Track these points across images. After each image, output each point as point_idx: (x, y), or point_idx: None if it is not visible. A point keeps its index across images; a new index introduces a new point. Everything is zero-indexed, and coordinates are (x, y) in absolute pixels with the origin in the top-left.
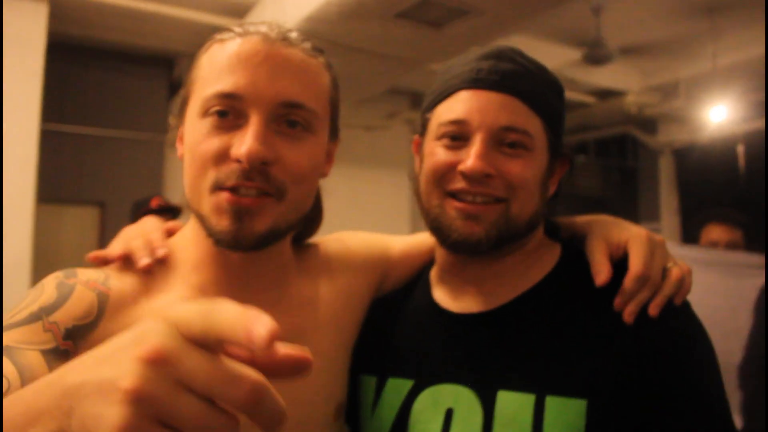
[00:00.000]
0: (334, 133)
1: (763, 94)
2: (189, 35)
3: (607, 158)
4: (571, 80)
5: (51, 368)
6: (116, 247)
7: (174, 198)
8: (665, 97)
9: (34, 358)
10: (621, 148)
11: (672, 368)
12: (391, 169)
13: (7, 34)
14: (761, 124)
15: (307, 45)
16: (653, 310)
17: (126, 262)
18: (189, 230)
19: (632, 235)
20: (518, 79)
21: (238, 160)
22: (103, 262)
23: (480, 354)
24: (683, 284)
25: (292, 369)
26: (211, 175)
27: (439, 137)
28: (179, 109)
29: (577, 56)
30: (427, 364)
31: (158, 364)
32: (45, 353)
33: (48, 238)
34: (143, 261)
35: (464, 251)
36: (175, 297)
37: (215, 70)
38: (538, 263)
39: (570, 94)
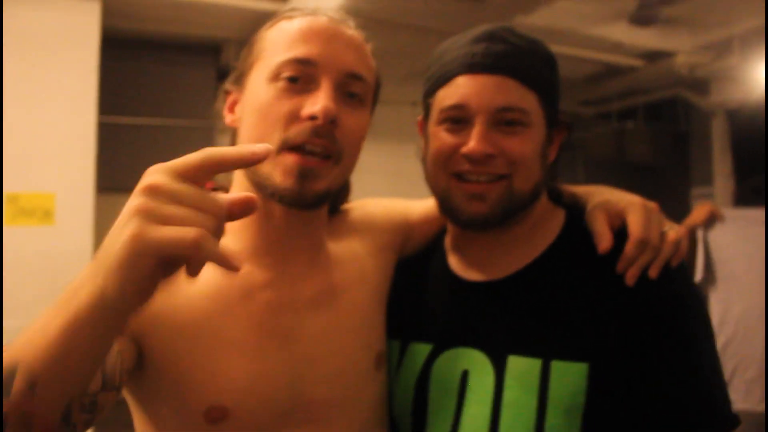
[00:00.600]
0: (371, 111)
1: None
2: (234, 22)
3: (657, 122)
4: (617, 43)
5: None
6: None
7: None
8: (718, 56)
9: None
10: (672, 111)
11: (667, 329)
12: None
13: (64, 33)
14: None
15: (361, 33)
16: (653, 271)
17: None
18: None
19: (628, 203)
20: (511, 59)
21: (311, 117)
22: None
23: (492, 320)
24: (679, 247)
25: (243, 209)
26: (279, 135)
27: (441, 121)
28: (235, 79)
29: (624, 21)
30: (445, 329)
31: (151, 190)
32: None
33: (107, 226)
34: None
35: (473, 228)
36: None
37: (287, 41)
38: (543, 230)
39: (617, 58)
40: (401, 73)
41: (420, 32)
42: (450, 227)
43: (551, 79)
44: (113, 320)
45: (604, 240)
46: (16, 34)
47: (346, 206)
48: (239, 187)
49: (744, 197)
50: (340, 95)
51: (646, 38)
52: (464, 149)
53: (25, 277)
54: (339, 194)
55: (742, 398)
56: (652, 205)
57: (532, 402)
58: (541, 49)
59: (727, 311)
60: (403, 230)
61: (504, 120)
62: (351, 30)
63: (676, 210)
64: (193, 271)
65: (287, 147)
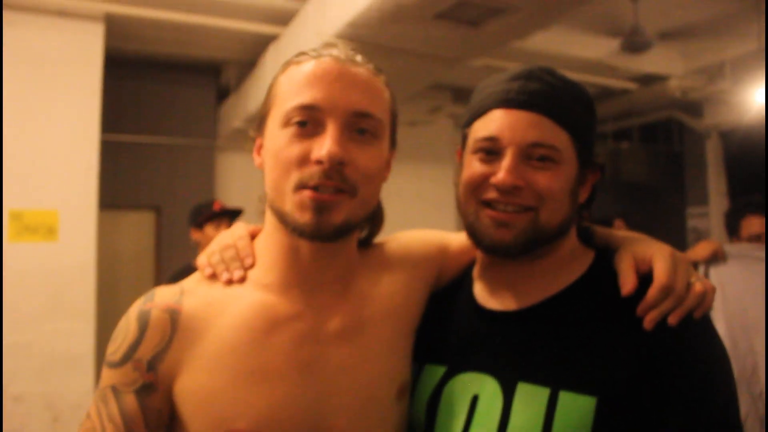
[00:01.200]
0: (392, 143)
1: None
2: (235, 43)
3: (652, 144)
4: (612, 68)
5: (141, 406)
6: (209, 259)
7: (225, 198)
8: (710, 80)
9: (131, 403)
10: (666, 132)
11: (681, 379)
12: (435, 163)
13: (68, 54)
14: None
15: (371, 66)
16: (672, 319)
17: (212, 277)
18: (267, 235)
19: (657, 250)
20: (545, 98)
21: (318, 162)
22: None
23: (507, 348)
24: (705, 299)
25: None
26: (295, 177)
27: (475, 151)
28: (257, 125)
29: (616, 45)
30: (460, 353)
31: None
32: (137, 393)
33: (109, 241)
34: (225, 277)
35: (496, 254)
36: (246, 300)
37: (294, 87)
38: (568, 268)
39: (612, 82)
40: (399, 96)
41: (417, 57)
42: (478, 257)
43: (586, 120)
44: None
45: (628, 282)
46: (22, 55)
47: (383, 239)
48: (269, 224)
49: (731, 226)
50: (348, 134)
51: (640, 63)
52: (493, 179)
53: (29, 292)
54: (372, 227)
55: None
56: (681, 255)
57: (537, 430)
58: (577, 90)
59: (734, 348)
60: (438, 262)
61: (535, 155)
62: (357, 67)
63: (672, 230)
64: None
65: (302, 187)
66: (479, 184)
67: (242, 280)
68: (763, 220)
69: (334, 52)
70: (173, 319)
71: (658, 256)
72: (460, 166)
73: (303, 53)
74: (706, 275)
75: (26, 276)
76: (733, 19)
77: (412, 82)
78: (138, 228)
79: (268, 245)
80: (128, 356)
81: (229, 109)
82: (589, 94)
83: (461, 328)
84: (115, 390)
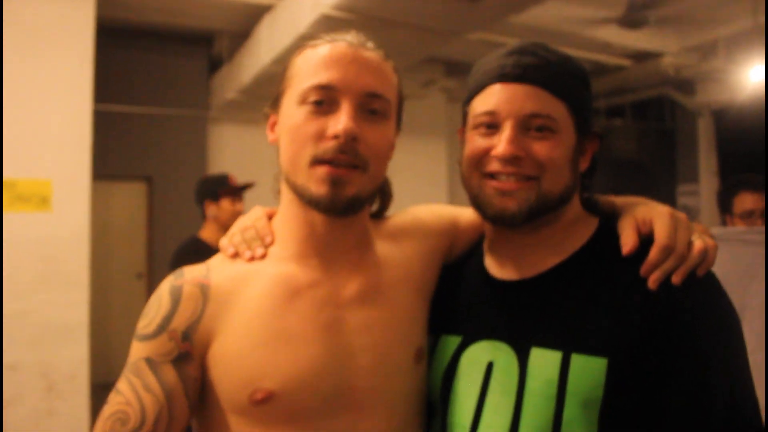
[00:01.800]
0: (398, 125)
1: None
2: (228, 13)
3: (644, 121)
4: (606, 44)
5: (180, 374)
6: (231, 240)
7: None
8: (704, 58)
9: (169, 373)
10: (658, 110)
11: (688, 336)
12: (429, 136)
13: (60, 24)
14: None
15: (380, 52)
16: (676, 278)
17: (234, 257)
18: (284, 210)
19: (656, 212)
20: (540, 71)
21: (335, 137)
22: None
23: (519, 316)
24: (707, 256)
25: None
26: (310, 152)
27: (476, 127)
28: (272, 103)
29: (613, 19)
30: (474, 323)
31: None
32: (174, 362)
33: (102, 211)
34: (247, 255)
35: (501, 223)
36: (268, 272)
37: (311, 68)
38: (574, 236)
39: (605, 58)
40: (397, 68)
41: (413, 30)
42: (486, 230)
43: (581, 91)
44: None
45: (628, 243)
46: (13, 25)
47: (399, 212)
48: (285, 199)
49: (723, 203)
50: (361, 113)
51: (634, 39)
52: (494, 151)
53: (24, 261)
54: (382, 201)
55: None
56: (681, 215)
57: (552, 393)
58: (571, 63)
59: None
60: (450, 235)
61: (533, 126)
62: (369, 52)
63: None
64: None
65: (318, 161)
66: (481, 157)
67: (263, 256)
68: (756, 197)
69: (348, 37)
70: (204, 292)
71: (658, 217)
72: (462, 144)
73: (318, 38)
74: None
75: (20, 246)
76: None
77: (408, 56)
78: (130, 198)
79: (286, 220)
80: (163, 327)
81: (222, 80)
82: (584, 67)
83: (474, 299)
84: (150, 361)
